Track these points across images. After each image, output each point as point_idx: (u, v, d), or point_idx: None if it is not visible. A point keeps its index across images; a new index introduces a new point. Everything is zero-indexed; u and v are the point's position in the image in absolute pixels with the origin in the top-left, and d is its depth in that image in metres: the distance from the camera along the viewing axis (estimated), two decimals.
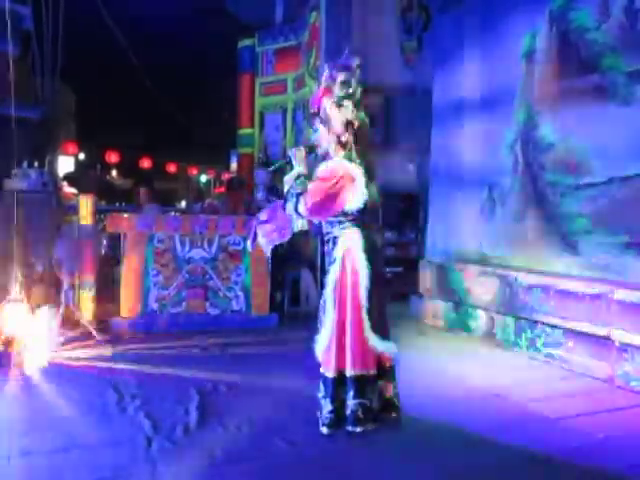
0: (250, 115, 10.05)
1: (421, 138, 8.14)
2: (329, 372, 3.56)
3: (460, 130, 6.98)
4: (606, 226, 5.27)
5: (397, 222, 8.87)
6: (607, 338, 4.85)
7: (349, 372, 3.50)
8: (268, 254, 5.46)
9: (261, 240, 4.05)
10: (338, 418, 3.56)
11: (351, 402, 3.49)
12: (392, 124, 8.61)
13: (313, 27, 8.37)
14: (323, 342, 3.61)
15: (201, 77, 17.10)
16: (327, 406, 3.56)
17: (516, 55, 6.22)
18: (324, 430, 3.56)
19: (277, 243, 4.17)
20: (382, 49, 8.43)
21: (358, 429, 3.50)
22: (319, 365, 3.67)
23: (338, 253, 3.58)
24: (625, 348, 4.69)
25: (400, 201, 8.90)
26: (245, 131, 10.24)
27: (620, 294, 4.79)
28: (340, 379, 3.55)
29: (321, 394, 3.63)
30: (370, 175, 3.57)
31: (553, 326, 5.36)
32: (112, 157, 21.05)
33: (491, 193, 6.53)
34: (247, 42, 9.94)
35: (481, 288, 6.26)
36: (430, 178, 7.65)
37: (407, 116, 8.71)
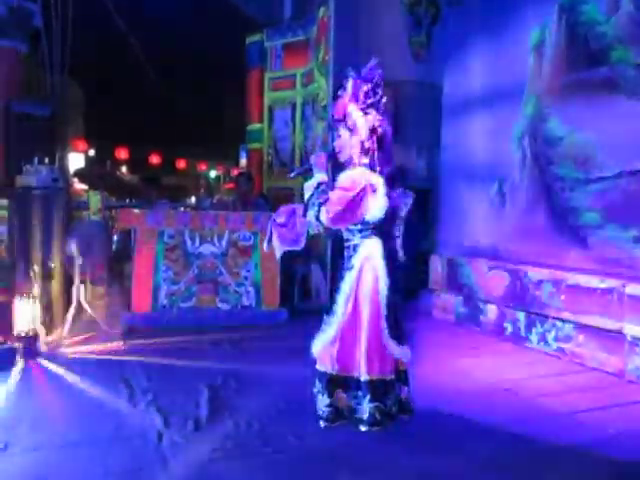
0: (259, 110, 10.03)
1: (430, 133, 8.11)
2: (327, 370, 3.61)
3: (470, 124, 6.96)
4: (616, 220, 5.25)
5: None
6: (619, 332, 4.83)
7: (364, 377, 3.53)
8: (279, 257, 5.49)
9: (275, 243, 4.06)
10: (336, 412, 3.61)
11: (368, 405, 3.52)
12: (401, 119, 8.58)
13: (322, 22, 8.33)
14: (323, 341, 3.65)
15: (210, 73, 17.10)
16: (324, 400, 3.61)
17: (525, 48, 6.20)
18: (322, 424, 3.59)
19: (289, 249, 4.19)
20: (390, 44, 8.38)
21: (374, 429, 3.52)
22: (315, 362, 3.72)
23: (357, 261, 3.61)
24: (637, 342, 4.68)
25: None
26: (254, 126, 10.22)
27: (631, 288, 4.77)
28: (339, 379, 3.60)
29: (316, 389, 3.68)
30: (393, 183, 3.60)
31: (564, 320, 5.34)
32: (122, 153, 21.13)
33: (501, 187, 6.51)
34: (255, 38, 9.92)
35: (491, 282, 6.25)
36: (441, 173, 7.63)
37: (416, 111, 8.67)
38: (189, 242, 6.45)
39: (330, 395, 3.59)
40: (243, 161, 13.49)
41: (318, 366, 3.67)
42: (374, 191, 3.51)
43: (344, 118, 3.67)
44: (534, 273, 5.72)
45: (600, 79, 5.40)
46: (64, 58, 7.88)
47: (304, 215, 3.72)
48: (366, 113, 3.61)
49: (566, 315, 5.32)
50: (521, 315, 5.83)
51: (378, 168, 3.58)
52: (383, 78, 3.66)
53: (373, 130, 3.60)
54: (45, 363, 4.87)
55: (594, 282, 5.09)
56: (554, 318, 5.45)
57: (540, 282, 5.61)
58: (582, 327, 5.16)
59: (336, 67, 7.43)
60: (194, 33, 13.71)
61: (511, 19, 6.36)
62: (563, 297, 5.35)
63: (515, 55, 6.32)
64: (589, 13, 5.53)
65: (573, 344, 5.22)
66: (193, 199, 16.65)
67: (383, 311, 3.56)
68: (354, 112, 3.62)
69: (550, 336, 5.47)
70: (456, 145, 7.25)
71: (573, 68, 5.70)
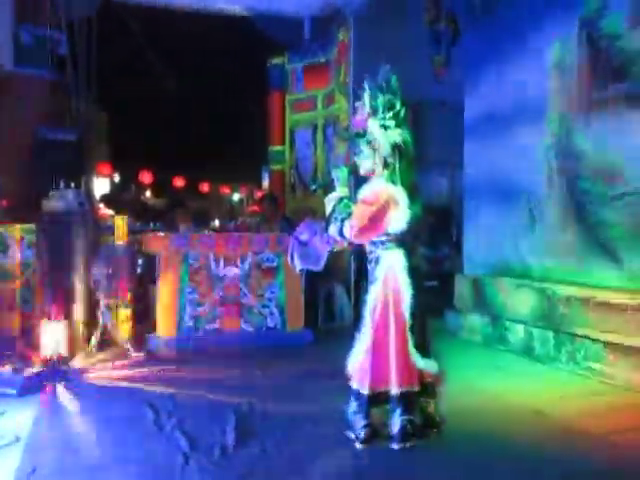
0: (281, 132, 10.11)
1: (452, 152, 8.09)
2: (364, 389, 3.56)
3: (494, 142, 6.91)
4: None
5: (430, 237, 8.80)
6: None
7: (395, 390, 3.50)
8: (298, 272, 5.50)
9: (296, 260, 4.08)
10: (373, 434, 3.56)
11: (399, 419, 3.48)
12: (422, 138, 8.58)
13: (342, 44, 8.40)
14: (357, 358, 3.64)
15: (231, 96, 17.29)
16: (360, 422, 3.56)
17: (546, 64, 6.16)
18: (359, 446, 3.54)
19: (309, 268, 4.20)
20: (411, 64, 8.41)
21: (407, 445, 3.47)
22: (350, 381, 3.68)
23: (380, 273, 3.61)
24: None
25: (433, 215, 8.84)
26: (276, 148, 10.29)
27: None
28: (375, 396, 3.55)
29: (352, 409, 3.64)
30: (413, 193, 3.57)
31: (594, 339, 5.23)
32: (146, 177, 21.33)
33: (529, 204, 6.42)
34: (276, 60, 10.03)
35: (518, 301, 6.16)
36: (464, 191, 7.59)
37: (437, 130, 8.68)
38: (213, 264, 6.47)
39: (366, 416, 3.55)
40: (265, 183, 13.58)
41: (354, 385, 3.63)
42: (396, 203, 3.50)
43: (364, 133, 3.66)
44: (562, 291, 5.63)
45: (623, 93, 5.35)
46: (89, 85, 8.03)
47: (326, 230, 3.72)
48: (387, 128, 3.59)
49: (596, 334, 5.22)
50: (549, 334, 5.73)
51: (399, 180, 3.56)
52: (400, 84, 3.64)
53: (395, 145, 3.58)
54: (71, 386, 4.88)
55: (624, 299, 4.99)
56: (583, 337, 5.34)
57: (568, 300, 5.52)
58: (613, 346, 5.04)
59: (356, 88, 7.46)
60: (216, 57, 13.89)
61: (530, 35, 6.33)
62: (592, 315, 5.25)
63: (536, 72, 6.29)
64: (610, 27, 5.49)
65: (604, 364, 5.11)
66: (217, 222, 16.74)
67: (408, 322, 3.54)
68: (374, 128, 3.61)
69: (580, 355, 5.37)
70: (479, 163, 7.21)
71: (596, 83, 5.65)
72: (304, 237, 4.03)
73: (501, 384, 5.04)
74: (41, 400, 4.53)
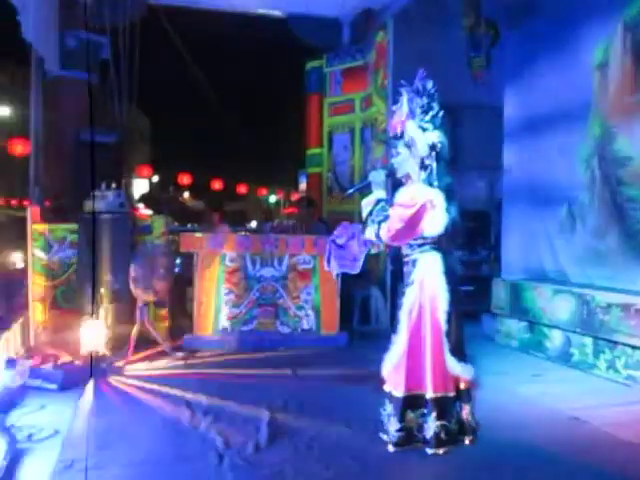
0: (318, 135, 10.12)
1: (490, 155, 8.01)
2: (398, 392, 3.55)
3: (534, 146, 6.83)
4: None
5: (468, 240, 8.72)
6: None
7: (430, 394, 3.49)
8: (335, 276, 5.52)
9: (333, 263, 4.09)
10: (407, 437, 3.54)
11: (434, 424, 3.47)
12: (461, 141, 8.51)
13: (380, 46, 8.38)
14: (392, 361, 3.63)
15: (269, 100, 17.43)
16: (394, 424, 3.55)
17: (589, 67, 6.07)
18: (391, 449, 3.54)
19: (346, 272, 4.22)
20: (449, 66, 8.35)
21: (440, 451, 3.46)
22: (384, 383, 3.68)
23: (417, 276, 3.59)
24: None
25: (470, 219, 8.76)
26: (314, 151, 10.31)
27: None
28: (410, 399, 3.53)
29: (386, 412, 3.63)
30: (449, 196, 3.55)
31: (634, 347, 5.13)
32: (184, 179, 21.62)
33: (570, 209, 6.31)
34: (315, 64, 10.05)
35: (556, 307, 6.07)
36: (503, 195, 7.51)
37: (476, 133, 8.59)
38: (250, 265, 6.51)
39: (401, 419, 3.53)
40: (302, 185, 13.62)
41: (389, 388, 3.63)
42: (434, 207, 3.48)
43: (402, 135, 3.66)
44: (602, 297, 5.53)
45: None
46: (131, 88, 8.17)
47: (363, 232, 3.74)
48: (424, 129, 3.59)
49: (636, 341, 5.11)
50: (588, 341, 5.64)
51: (436, 183, 3.55)
52: (436, 88, 3.64)
53: (433, 147, 3.57)
54: (110, 383, 4.98)
55: None
56: (624, 344, 5.24)
57: (608, 306, 5.42)
58: None
59: (395, 91, 7.44)
60: (254, 60, 14.00)
61: (574, 38, 6.24)
62: (633, 322, 5.14)
63: (578, 75, 6.20)
64: None
65: None
66: (254, 223, 16.88)
67: (444, 327, 3.52)
68: (413, 129, 3.60)
69: (619, 363, 5.26)
70: (519, 167, 7.13)
71: (639, 86, 5.54)
72: (341, 240, 4.05)
73: (538, 390, 4.98)
74: (80, 396, 4.62)
